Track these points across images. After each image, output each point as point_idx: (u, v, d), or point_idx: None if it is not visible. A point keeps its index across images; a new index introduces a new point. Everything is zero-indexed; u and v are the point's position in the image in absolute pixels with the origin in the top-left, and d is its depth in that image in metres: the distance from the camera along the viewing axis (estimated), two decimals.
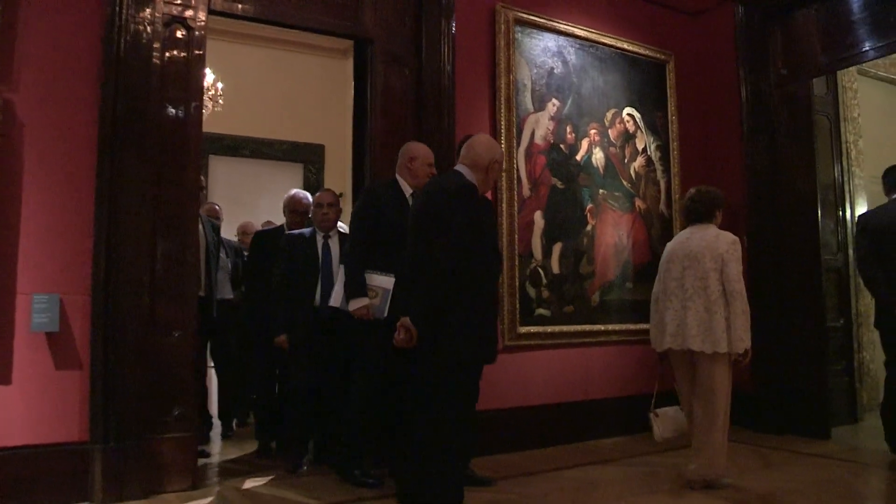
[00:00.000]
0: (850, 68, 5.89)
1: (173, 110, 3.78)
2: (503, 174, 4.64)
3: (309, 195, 4.77)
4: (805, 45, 5.11)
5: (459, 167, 3.35)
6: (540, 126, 4.86)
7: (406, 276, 3.29)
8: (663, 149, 5.49)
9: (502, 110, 4.69)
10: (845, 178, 5.60)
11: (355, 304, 3.66)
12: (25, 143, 3.43)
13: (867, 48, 4.81)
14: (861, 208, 5.72)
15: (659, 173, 5.45)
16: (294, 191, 4.86)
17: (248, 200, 8.06)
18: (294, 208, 4.68)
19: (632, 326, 5.10)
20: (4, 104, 3.37)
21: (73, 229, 3.51)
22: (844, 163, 5.63)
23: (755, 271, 5.17)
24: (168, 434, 3.64)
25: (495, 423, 4.43)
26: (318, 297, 4.10)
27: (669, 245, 3.90)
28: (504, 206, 4.63)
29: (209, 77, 6.76)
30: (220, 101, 7.07)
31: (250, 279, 4.87)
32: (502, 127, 4.68)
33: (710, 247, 3.60)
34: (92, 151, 3.56)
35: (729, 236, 3.65)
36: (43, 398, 3.39)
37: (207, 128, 7.65)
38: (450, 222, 3.10)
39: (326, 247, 4.20)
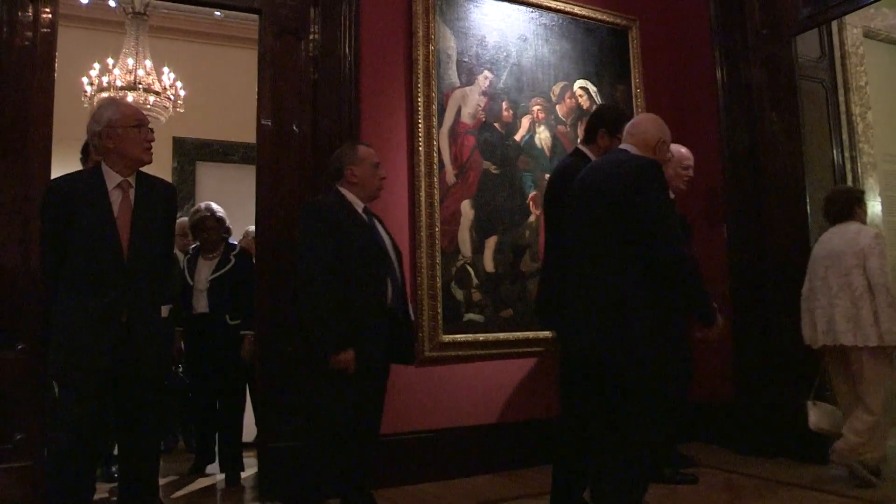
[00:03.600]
0: (856, 30, 5.08)
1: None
2: (420, 158, 4.03)
3: None
4: None
5: (625, 146, 2.78)
6: (468, 102, 4.23)
7: (575, 278, 2.71)
8: None
9: (420, 85, 4.08)
10: (847, 157, 4.77)
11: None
12: None
13: None
14: (872, 192, 4.88)
15: None
16: None
17: (237, 206, 7.74)
18: None
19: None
20: None
21: None
22: (846, 138, 4.80)
23: (736, 268, 4.42)
24: (3, 464, 3.14)
25: (410, 449, 3.81)
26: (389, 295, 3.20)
27: (814, 247, 3.89)
28: (423, 194, 4.01)
29: (167, 78, 6.38)
30: (181, 102, 6.66)
31: None
32: (419, 104, 4.07)
33: (851, 243, 3.63)
34: None
35: (870, 231, 3.70)
36: None
37: (194, 133, 7.62)
38: (642, 206, 2.52)
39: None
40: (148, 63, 6.21)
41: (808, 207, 4.23)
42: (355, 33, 3.96)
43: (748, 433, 4.32)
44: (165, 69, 6.40)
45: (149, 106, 6.19)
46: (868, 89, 5.05)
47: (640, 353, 2.49)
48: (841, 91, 4.85)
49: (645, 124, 2.86)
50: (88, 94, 6.15)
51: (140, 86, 6.11)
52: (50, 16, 3.39)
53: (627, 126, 2.90)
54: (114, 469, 3.94)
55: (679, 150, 3.80)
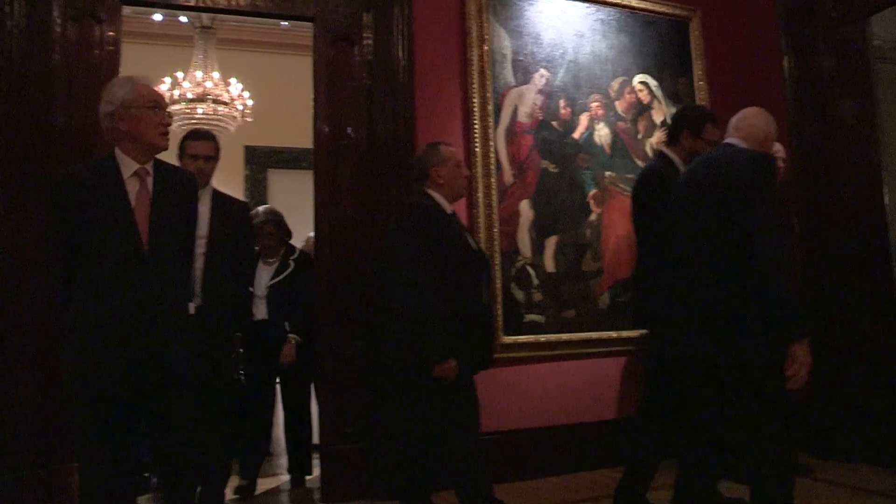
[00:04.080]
0: None
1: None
2: (477, 159, 4.02)
3: None
4: None
5: (732, 140, 2.76)
6: (524, 101, 4.20)
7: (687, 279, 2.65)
8: None
9: (475, 86, 4.07)
10: None
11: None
12: None
13: None
14: None
15: None
16: None
17: (308, 211, 7.92)
18: None
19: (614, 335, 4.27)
20: None
21: None
22: None
23: (808, 264, 4.23)
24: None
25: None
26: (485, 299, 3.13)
27: None
28: (480, 195, 4.00)
29: (234, 88, 6.58)
30: (248, 112, 6.84)
31: None
32: (475, 105, 4.06)
33: None
34: None
35: None
36: None
37: (265, 142, 7.81)
38: (754, 201, 2.45)
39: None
40: (216, 74, 6.40)
41: (886, 199, 4.01)
42: (408, 36, 3.98)
43: (829, 435, 4.13)
44: (233, 80, 6.58)
45: (218, 116, 6.40)
46: None
47: (758, 353, 2.43)
48: None
49: (752, 118, 2.79)
50: None
51: (209, 97, 6.31)
52: (114, 34, 3.55)
53: (733, 120, 2.83)
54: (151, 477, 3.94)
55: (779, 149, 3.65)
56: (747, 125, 2.75)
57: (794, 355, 2.36)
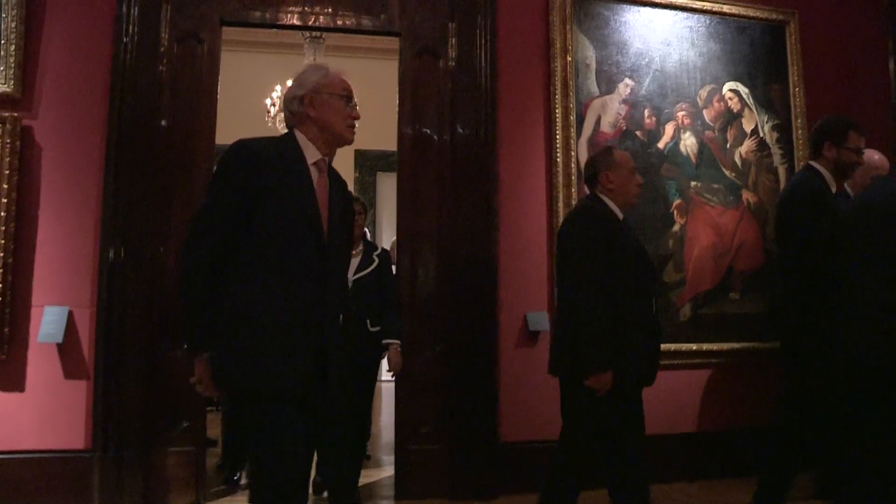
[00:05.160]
0: None
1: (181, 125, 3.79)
2: (558, 169, 4.06)
3: None
4: None
5: None
6: (608, 111, 4.19)
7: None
8: (782, 128, 4.48)
9: (557, 96, 4.10)
10: None
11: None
12: (43, 167, 3.62)
13: None
14: None
15: (777, 158, 4.45)
16: None
17: None
18: None
19: (736, 345, 4.19)
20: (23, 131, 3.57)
21: (82, 246, 3.62)
22: None
23: None
24: (172, 447, 3.61)
25: (537, 456, 3.83)
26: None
27: None
28: (560, 206, 4.03)
29: None
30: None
31: None
32: (557, 115, 4.09)
33: None
34: (100, 170, 3.66)
35: None
36: (51, 406, 3.51)
37: (374, 146, 8.07)
38: None
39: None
40: None
41: None
42: (492, 46, 4.06)
43: None
44: None
45: None
46: None
47: None
48: None
49: None
50: (271, 114, 6.77)
51: None
52: (212, 48, 3.86)
53: None
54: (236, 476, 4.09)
55: (872, 156, 3.49)
56: None
57: None
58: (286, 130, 2.28)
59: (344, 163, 7.39)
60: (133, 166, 3.65)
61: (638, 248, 2.92)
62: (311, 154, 2.21)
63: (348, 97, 2.26)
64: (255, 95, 7.20)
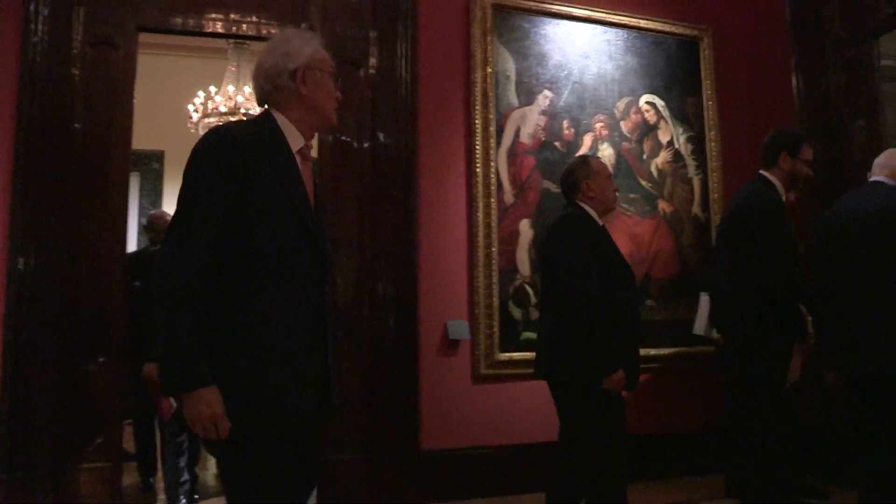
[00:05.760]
0: None
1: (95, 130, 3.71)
2: (478, 179, 4.12)
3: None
4: None
5: (880, 178, 3.05)
6: (527, 122, 4.27)
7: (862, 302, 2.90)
8: (696, 140, 4.64)
9: (478, 106, 4.16)
10: None
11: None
12: None
13: None
14: None
15: (691, 169, 4.61)
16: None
17: None
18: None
19: (652, 352, 4.29)
20: None
21: None
22: None
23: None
24: (85, 464, 3.53)
25: (462, 464, 3.91)
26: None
27: None
28: (480, 215, 4.09)
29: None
30: None
31: None
32: (477, 126, 4.15)
33: None
34: (7, 172, 3.55)
35: None
36: None
37: None
38: None
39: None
40: (247, 89, 6.64)
41: None
42: (413, 55, 4.10)
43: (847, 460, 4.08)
44: None
45: None
46: None
47: None
48: None
49: None
50: (194, 120, 6.67)
51: (241, 111, 6.55)
52: (129, 54, 3.82)
53: (880, 159, 3.10)
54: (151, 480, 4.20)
55: None
56: (894, 164, 3.04)
57: None
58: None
59: None
60: (44, 171, 3.55)
61: (619, 254, 3.02)
62: (295, 140, 1.85)
63: (337, 77, 1.96)
64: (177, 100, 7.08)
